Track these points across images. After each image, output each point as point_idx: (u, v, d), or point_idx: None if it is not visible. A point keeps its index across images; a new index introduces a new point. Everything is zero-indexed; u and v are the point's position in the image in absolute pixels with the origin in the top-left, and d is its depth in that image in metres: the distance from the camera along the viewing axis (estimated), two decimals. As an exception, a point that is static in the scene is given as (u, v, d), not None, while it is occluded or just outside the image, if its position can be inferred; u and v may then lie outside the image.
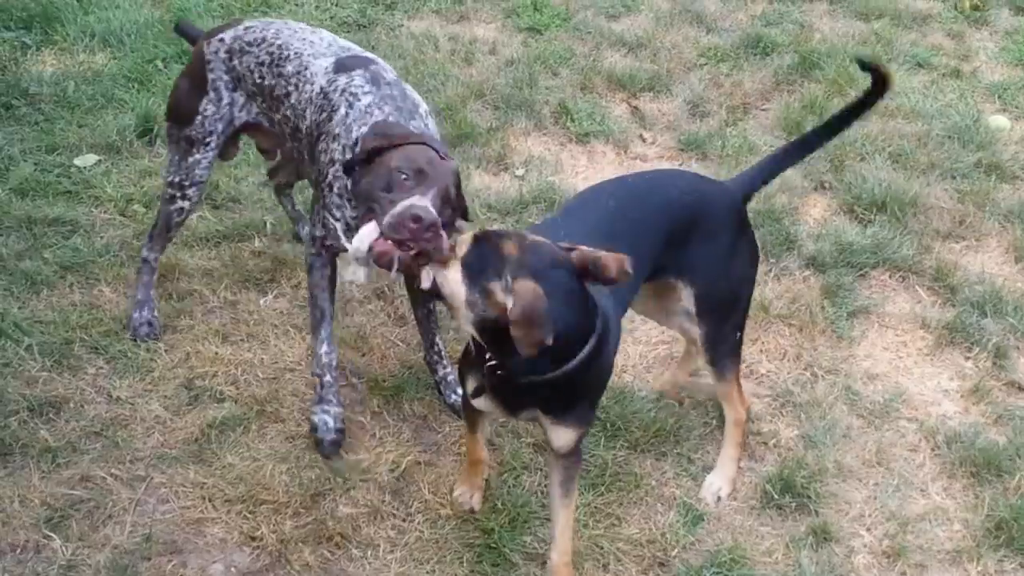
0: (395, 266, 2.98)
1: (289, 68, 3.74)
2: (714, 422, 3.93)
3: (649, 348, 4.26)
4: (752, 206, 4.87)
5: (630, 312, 3.55)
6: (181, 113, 3.95)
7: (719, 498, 3.66)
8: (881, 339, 4.38)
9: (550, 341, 2.72)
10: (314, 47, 3.75)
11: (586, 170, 5.31)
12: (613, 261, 2.82)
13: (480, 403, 3.17)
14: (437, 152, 3.28)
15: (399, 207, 3.04)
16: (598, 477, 3.68)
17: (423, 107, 3.61)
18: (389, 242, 3.00)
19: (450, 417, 3.88)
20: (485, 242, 2.84)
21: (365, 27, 6.33)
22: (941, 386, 4.18)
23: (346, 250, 3.33)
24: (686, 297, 3.46)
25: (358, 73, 3.59)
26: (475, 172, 5.16)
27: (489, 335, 2.86)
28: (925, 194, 5.09)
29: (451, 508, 3.54)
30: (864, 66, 3.64)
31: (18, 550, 3.32)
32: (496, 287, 2.75)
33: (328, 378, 3.75)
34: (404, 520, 3.52)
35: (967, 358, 4.29)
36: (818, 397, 4.05)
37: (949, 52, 6.49)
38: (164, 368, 3.99)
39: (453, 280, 2.84)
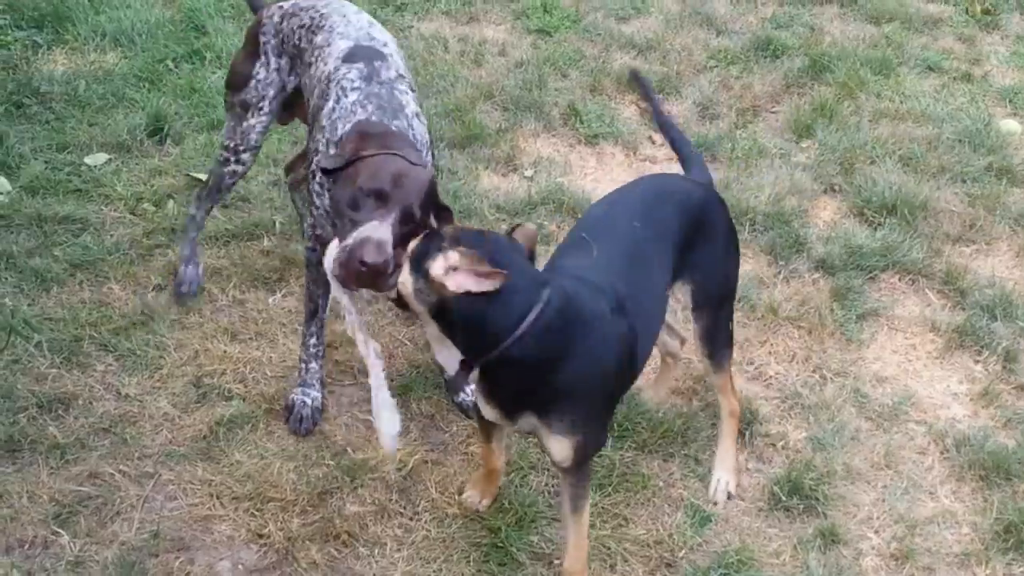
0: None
1: (319, 39, 3.76)
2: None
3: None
4: (762, 208, 4.93)
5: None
6: (236, 79, 4.05)
7: (728, 494, 3.65)
8: (890, 342, 4.37)
9: (506, 279, 2.76)
10: (347, 26, 3.75)
11: (595, 172, 5.31)
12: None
13: (484, 411, 3.17)
14: (410, 160, 3.22)
15: (353, 238, 3.04)
16: (605, 477, 3.68)
17: (411, 108, 3.54)
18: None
19: (457, 416, 3.88)
20: (428, 236, 2.94)
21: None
22: (950, 389, 4.17)
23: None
24: (683, 295, 3.48)
25: (358, 67, 3.57)
26: (484, 173, 5.17)
27: (446, 324, 2.91)
28: (935, 198, 5.08)
29: (458, 507, 3.54)
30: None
31: (26, 546, 3.34)
32: (432, 264, 2.82)
33: (314, 365, 3.83)
34: (411, 519, 3.52)
35: (977, 361, 4.28)
36: (827, 399, 4.05)
37: (960, 56, 6.48)
38: (173, 366, 3.99)
39: (403, 279, 2.92)
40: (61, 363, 3.95)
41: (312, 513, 3.49)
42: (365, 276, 3.00)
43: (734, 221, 3.70)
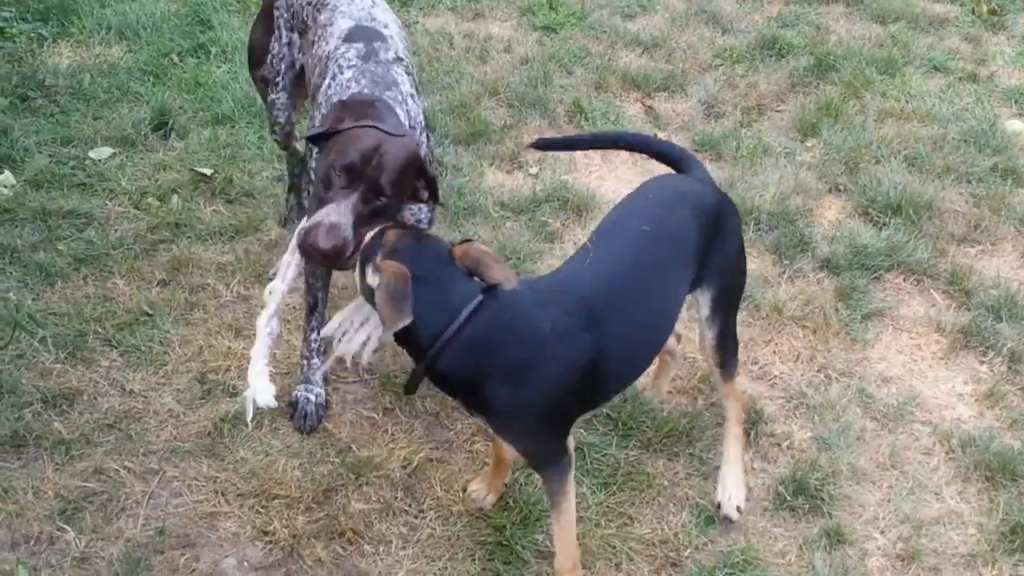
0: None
1: (322, 17, 3.78)
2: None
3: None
4: (766, 207, 4.92)
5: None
6: (255, 55, 4.15)
7: (739, 508, 3.58)
8: (895, 342, 4.36)
9: (408, 320, 2.74)
10: (350, 5, 3.76)
11: (600, 169, 5.30)
12: (499, 269, 2.85)
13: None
14: (388, 131, 3.18)
15: (312, 220, 3.07)
16: (610, 476, 3.67)
17: (405, 88, 3.52)
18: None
19: (462, 414, 3.88)
20: (377, 235, 2.94)
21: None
22: (956, 390, 4.16)
23: None
24: (702, 302, 3.40)
25: (357, 46, 3.58)
26: (489, 170, 5.16)
27: None
28: (940, 198, 5.07)
29: (463, 504, 3.54)
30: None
31: (32, 541, 3.33)
32: (369, 269, 2.85)
33: (316, 361, 3.83)
34: (416, 516, 3.52)
35: (982, 362, 4.28)
36: (832, 399, 4.04)
37: (966, 56, 6.47)
38: (177, 361, 3.99)
39: (356, 274, 2.97)
40: (66, 358, 3.94)
41: (317, 510, 3.49)
42: (320, 257, 3.07)
43: (683, 176, 3.69)
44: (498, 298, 2.89)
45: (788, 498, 3.64)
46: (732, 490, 3.60)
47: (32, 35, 5.89)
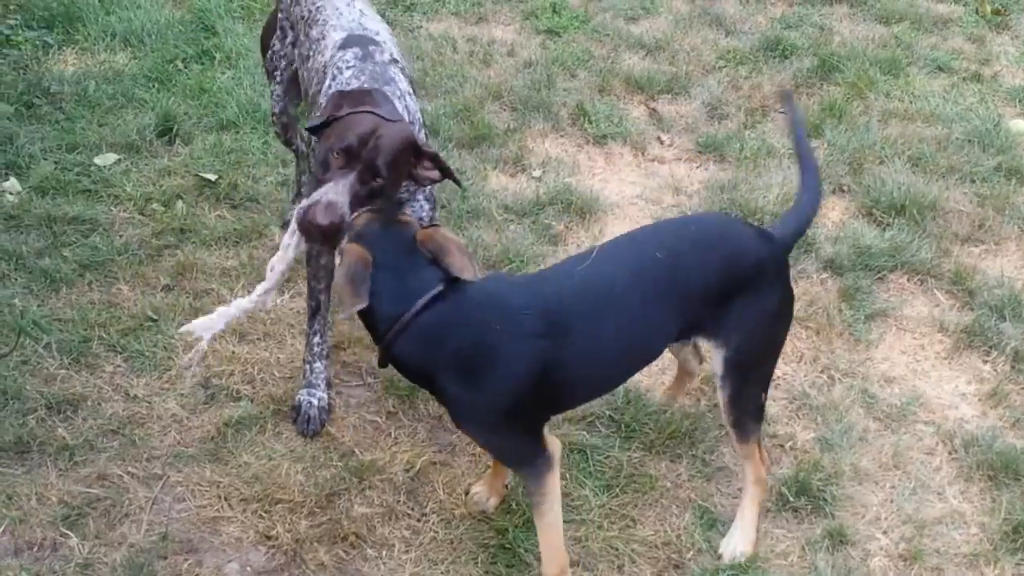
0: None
1: (314, 32, 3.87)
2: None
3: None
4: (770, 209, 4.92)
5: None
6: (263, 45, 4.38)
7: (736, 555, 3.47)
8: (899, 342, 4.36)
9: (363, 304, 2.81)
10: (340, 18, 3.84)
11: (603, 172, 5.31)
12: (459, 258, 2.88)
13: None
14: (384, 116, 3.27)
15: (311, 199, 3.16)
16: (613, 478, 3.68)
17: (403, 85, 3.60)
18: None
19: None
20: (362, 216, 3.03)
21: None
22: (959, 390, 4.16)
23: None
24: (715, 357, 3.26)
25: (353, 50, 3.66)
26: (492, 173, 5.17)
27: None
28: (944, 198, 5.07)
29: (466, 507, 3.55)
30: None
31: (35, 548, 3.34)
32: (337, 252, 2.95)
33: (318, 365, 3.85)
34: (419, 520, 3.53)
35: (985, 362, 4.27)
36: (835, 400, 4.04)
37: (969, 56, 6.46)
38: (181, 367, 4.00)
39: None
40: (70, 364, 3.96)
41: (320, 515, 3.50)
42: (318, 234, 3.11)
43: (742, 222, 3.67)
44: (458, 290, 2.91)
45: (791, 499, 3.64)
46: (737, 546, 3.46)
47: (37, 42, 5.93)
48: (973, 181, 5.24)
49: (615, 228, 4.83)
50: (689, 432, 3.86)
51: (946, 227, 4.92)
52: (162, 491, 3.56)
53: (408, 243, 2.94)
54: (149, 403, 3.86)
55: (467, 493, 3.59)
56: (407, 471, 3.67)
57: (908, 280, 4.65)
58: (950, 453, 3.88)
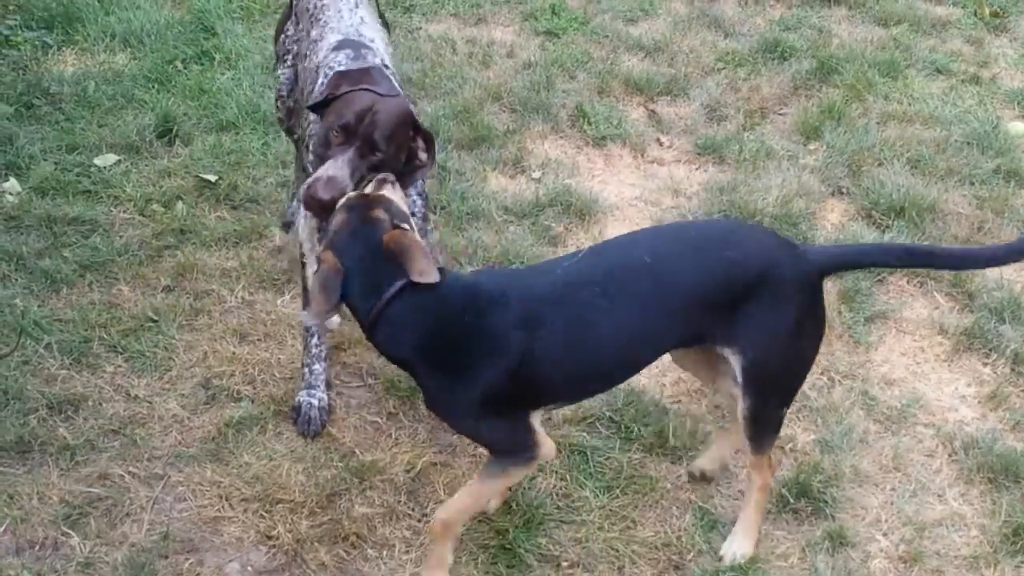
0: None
1: (314, 32, 3.93)
2: (728, 427, 3.91)
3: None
4: (769, 211, 4.92)
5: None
6: (277, 32, 4.41)
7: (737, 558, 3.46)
8: (898, 344, 4.37)
9: (333, 309, 3.01)
10: (340, 22, 3.89)
11: (603, 173, 5.32)
12: (418, 261, 2.97)
13: None
14: (381, 93, 3.38)
15: (314, 176, 3.29)
16: (613, 480, 3.68)
17: (395, 84, 3.66)
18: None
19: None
20: (331, 217, 3.14)
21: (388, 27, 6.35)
22: (958, 392, 4.17)
23: None
24: (734, 365, 3.17)
25: (346, 51, 3.74)
26: (491, 174, 5.17)
27: None
28: (943, 200, 5.08)
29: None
30: None
31: (36, 547, 3.35)
32: (313, 259, 3.11)
33: (317, 367, 3.86)
34: (419, 520, 3.53)
35: (985, 364, 4.28)
36: (835, 402, 4.05)
37: (968, 58, 6.47)
38: (182, 367, 4.01)
39: None
40: (71, 364, 3.96)
41: (321, 515, 3.50)
42: (319, 208, 3.23)
43: (764, 230, 3.62)
44: (425, 285, 3.00)
45: (791, 501, 3.64)
46: (738, 549, 3.45)
47: (37, 43, 5.92)
48: (972, 183, 5.25)
49: (614, 229, 4.83)
50: (690, 434, 3.86)
51: (945, 229, 4.92)
52: (163, 491, 3.56)
53: (375, 245, 3.01)
54: (150, 403, 3.86)
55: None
56: (408, 472, 3.67)
57: (908, 282, 4.66)
58: (950, 455, 3.89)
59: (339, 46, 3.77)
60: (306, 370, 3.87)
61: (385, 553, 3.42)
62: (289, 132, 4.47)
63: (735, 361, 3.15)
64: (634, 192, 5.18)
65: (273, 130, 4.90)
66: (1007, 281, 4.64)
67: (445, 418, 3.24)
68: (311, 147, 3.67)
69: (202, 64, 5.85)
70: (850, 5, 7.00)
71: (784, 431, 3.89)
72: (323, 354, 3.88)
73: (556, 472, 3.68)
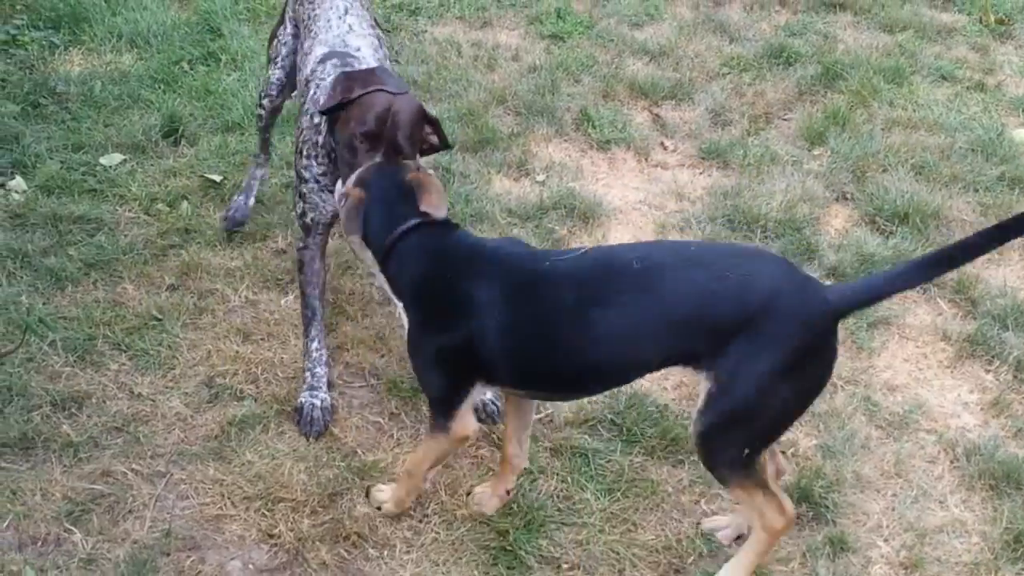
0: None
1: (306, 45, 4.03)
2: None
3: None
4: (774, 216, 4.92)
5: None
6: (270, 37, 4.51)
7: None
8: (901, 350, 4.37)
9: (357, 234, 3.25)
10: (328, 32, 3.97)
11: (607, 177, 5.32)
12: (431, 198, 3.24)
13: None
14: (392, 91, 3.46)
15: (345, 186, 3.38)
16: (614, 482, 3.68)
17: None
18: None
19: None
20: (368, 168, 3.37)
21: (389, 32, 6.36)
22: (961, 398, 4.17)
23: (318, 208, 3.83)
24: (700, 387, 2.99)
25: (332, 62, 3.82)
26: (496, 177, 5.18)
27: None
28: (947, 206, 5.08)
29: (467, 509, 3.55)
30: None
31: (39, 542, 3.35)
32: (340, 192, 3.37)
33: (319, 370, 3.89)
34: (420, 521, 3.53)
35: (988, 371, 4.28)
36: (837, 407, 4.05)
37: (973, 65, 6.48)
38: (185, 365, 4.02)
39: None
40: (75, 362, 3.97)
41: (322, 514, 3.50)
42: None
43: (745, 228, 3.64)
44: (439, 231, 3.25)
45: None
46: None
47: (44, 43, 5.95)
48: (976, 190, 5.25)
49: (618, 233, 4.84)
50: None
51: (949, 236, 4.92)
52: (165, 488, 3.57)
53: (398, 183, 3.27)
54: (153, 401, 3.87)
55: (469, 495, 3.60)
56: (409, 472, 3.68)
57: (911, 289, 4.65)
58: (952, 462, 3.89)
59: (324, 58, 3.86)
60: (307, 374, 3.89)
61: (386, 553, 3.42)
62: (264, 131, 4.60)
63: (703, 384, 2.97)
64: (638, 196, 5.19)
65: (277, 131, 4.90)
66: (1011, 288, 4.64)
67: (409, 354, 3.34)
68: (303, 152, 3.79)
69: (208, 65, 5.87)
70: (856, 11, 7.02)
71: (786, 436, 3.90)
72: (324, 359, 3.91)
73: (557, 474, 3.68)
